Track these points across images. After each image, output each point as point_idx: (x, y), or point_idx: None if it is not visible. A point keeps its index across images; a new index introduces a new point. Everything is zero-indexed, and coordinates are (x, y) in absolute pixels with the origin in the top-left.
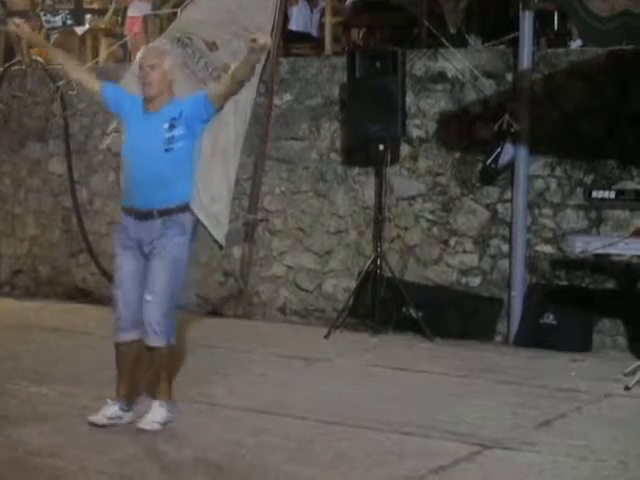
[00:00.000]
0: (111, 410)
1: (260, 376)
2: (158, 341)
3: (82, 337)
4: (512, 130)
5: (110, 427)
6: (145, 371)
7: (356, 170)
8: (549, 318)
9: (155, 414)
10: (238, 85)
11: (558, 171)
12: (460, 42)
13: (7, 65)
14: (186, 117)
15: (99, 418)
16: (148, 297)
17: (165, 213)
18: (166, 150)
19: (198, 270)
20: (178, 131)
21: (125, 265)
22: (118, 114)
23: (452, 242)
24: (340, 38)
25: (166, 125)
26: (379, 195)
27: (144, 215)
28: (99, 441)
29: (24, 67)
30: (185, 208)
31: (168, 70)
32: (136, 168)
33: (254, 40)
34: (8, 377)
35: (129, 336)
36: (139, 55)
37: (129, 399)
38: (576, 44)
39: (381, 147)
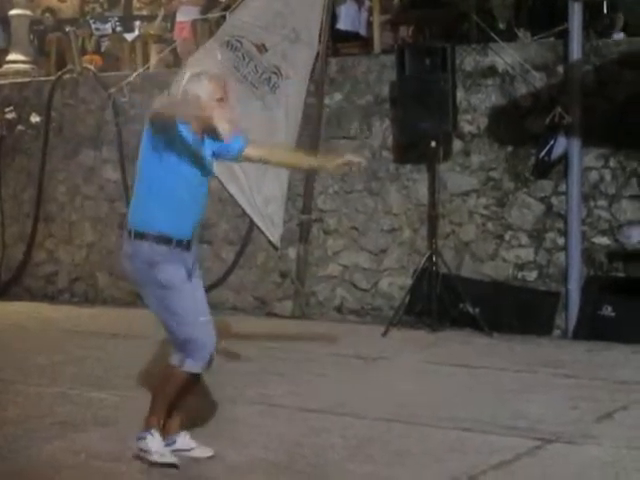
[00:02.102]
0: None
1: (318, 376)
2: (207, 367)
3: (140, 342)
4: (564, 122)
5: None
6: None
7: (408, 167)
8: (607, 310)
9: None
10: (278, 165)
11: (612, 162)
12: (509, 36)
13: (60, 73)
14: (218, 150)
15: (171, 458)
16: (205, 318)
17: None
18: (207, 174)
19: (254, 272)
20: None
21: (195, 291)
22: None
23: (507, 237)
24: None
25: (210, 152)
26: (432, 192)
27: (190, 243)
28: None
29: (76, 75)
30: None
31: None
32: (190, 197)
33: (348, 163)
34: (69, 382)
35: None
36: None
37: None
38: (617, 36)
39: (433, 144)
